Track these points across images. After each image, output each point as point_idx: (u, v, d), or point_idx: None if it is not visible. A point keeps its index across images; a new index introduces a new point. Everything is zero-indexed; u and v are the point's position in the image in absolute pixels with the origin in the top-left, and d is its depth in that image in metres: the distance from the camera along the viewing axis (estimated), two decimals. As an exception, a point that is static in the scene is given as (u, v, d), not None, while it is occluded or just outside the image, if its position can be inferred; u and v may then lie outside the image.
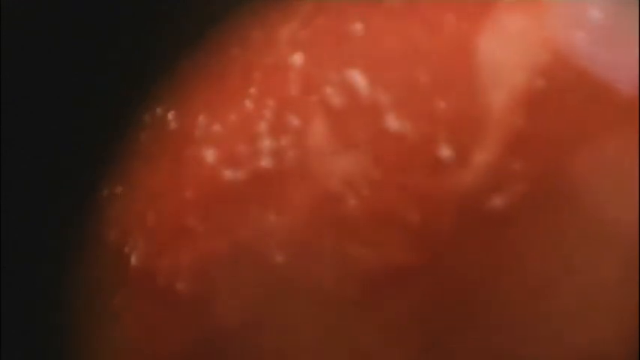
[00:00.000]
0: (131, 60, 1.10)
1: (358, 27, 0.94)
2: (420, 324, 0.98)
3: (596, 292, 0.77)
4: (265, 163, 0.96)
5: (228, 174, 0.93)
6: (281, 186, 0.99)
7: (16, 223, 1.06)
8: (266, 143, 0.94)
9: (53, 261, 1.09)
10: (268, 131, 0.94)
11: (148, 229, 1.01)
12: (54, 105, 1.05)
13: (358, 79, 0.92)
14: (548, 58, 0.87)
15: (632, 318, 0.74)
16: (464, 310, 0.92)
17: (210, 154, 0.94)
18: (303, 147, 0.96)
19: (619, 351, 0.76)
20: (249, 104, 0.96)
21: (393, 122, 0.94)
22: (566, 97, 0.84)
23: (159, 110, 1.08)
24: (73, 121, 1.10)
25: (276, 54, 0.95)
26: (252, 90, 0.93)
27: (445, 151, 0.89)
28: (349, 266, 0.97)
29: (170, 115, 1.06)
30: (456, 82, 0.91)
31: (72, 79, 1.04)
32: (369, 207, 0.94)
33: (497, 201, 0.88)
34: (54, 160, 1.10)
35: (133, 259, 1.03)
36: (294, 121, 0.95)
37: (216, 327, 1.00)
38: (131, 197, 1.08)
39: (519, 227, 0.86)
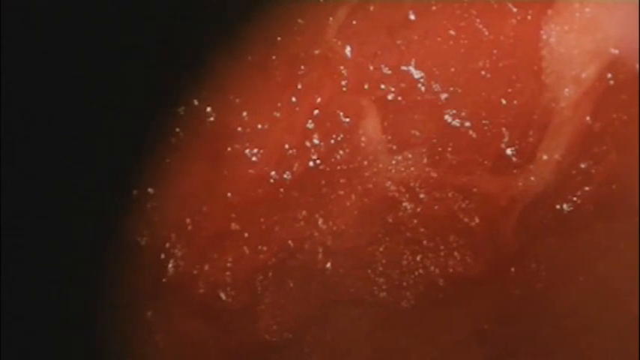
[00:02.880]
0: (165, 46, 1.41)
1: (412, 17, 1.27)
2: (480, 341, 1.26)
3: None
4: (313, 163, 1.28)
5: (273, 175, 1.25)
6: (330, 188, 1.30)
7: (37, 230, 1.35)
8: (314, 142, 1.25)
9: (80, 271, 1.41)
10: (316, 129, 1.25)
11: (186, 234, 1.32)
12: (83, 96, 1.37)
13: (414, 72, 1.24)
14: (617, 53, 1.17)
15: None
16: (529, 326, 1.20)
17: (254, 153, 1.25)
18: (355, 146, 1.29)
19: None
20: (295, 100, 1.27)
21: (451, 119, 1.27)
22: (635, 93, 1.14)
23: (195, 102, 1.38)
24: (100, 113, 1.40)
25: (325, 45, 1.26)
26: (299, 84, 1.24)
27: (508, 150, 1.21)
28: (404, 275, 1.28)
29: (208, 109, 1.35)
30: (519, 76, 1.22)
31: (102, 68, 1.36)
32: (426, 211, 1.25)
33: (564, 205, 1.18)
34: (77, 157, 1.37)
35: (170, 266, 1.33)
36: (345, 118, 1.28)
37: (257, 341, 1.31)
38: (165, 198, 1.39)
39: (586, 233, 1.13)
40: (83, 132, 1.49)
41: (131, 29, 1.45)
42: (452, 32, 1.29)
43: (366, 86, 1.33)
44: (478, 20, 1.27)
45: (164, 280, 1.44)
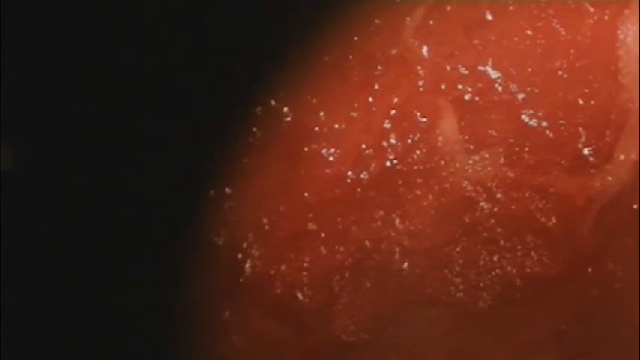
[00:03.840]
0: (244, 47, 1.66)
1: (489, 17, 1.50)
2: (556, 340, 1.46)
3: None
4: (390, 163, 1.50)
5: (350, 175, 1.49)
6: (407, 188, 1.53)
7: (115, 230, 1.60)
8: (391, 142, 1.48)
9: (158, 271, 1.66)
10: (393, 129, 1.48)
11: (263, 234, 1.56)
12: (164, 97, 1.62)
13: (491, 72, 1.47)
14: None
15: None
16: (606, 326, 1.40)
17: (331, 153, 1.48)
18: (432, 146, 1.52)
19: None
20: (372, 100, 1.50)
21: (528, 119, 1.50)
22: None
23: (273, 102, 1.62)
24: (179, 113, 1.65)
25: (402, 45, 1.50)
26: (376, 84, 1.47)
27: (585, 150, 1.43)
28: (481, 275, 1.49)
29: (285, 109, 1.58)
30: (596, 76, 1.45)
31: (183, 69, 1.61)
32: (503, 211, 1.47)
33: (642, 204, 1.37)
34: (155, 157, 1.62)
35: (247, 266, 1.57)
36: (422, 118, 1.51)
37: (334, 342, 1.54)
38: (242, 198, 1.63)
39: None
40: (162, 132, 1.74)
41: (211, 30, 1.70)
42: (529, 32, 1.50)
43: (443, 86, 1.54)
44: (555, 20, 1.49)
45: (241, 280, 1.67)
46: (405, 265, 1.57)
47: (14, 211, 1.82)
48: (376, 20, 1.64)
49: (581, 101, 1.48)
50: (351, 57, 1.65)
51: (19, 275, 1.79)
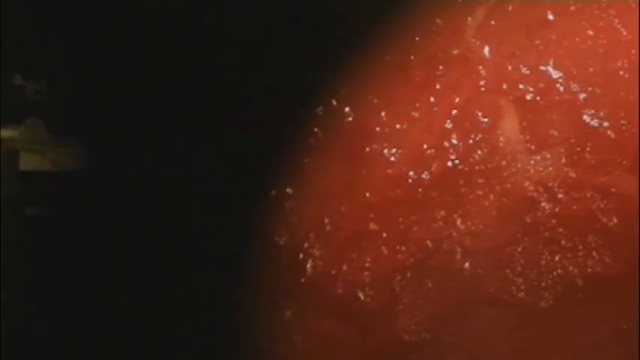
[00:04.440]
0: (304, 47, 1.82)
1: (551, 17, 1.66)
2: (618, 340, 1.60)
3: None
4: (452, 163, 1.66)
5: (412, 175, 1.64)
6: (469, 188, 1.68)
7: (177, 230, 1.77)
8: (452, 142, 1.63)
9: (219, 271, 1.83)
10: (455, 129, 1.64)
11: (324, 234, 1.72)
12: (225, 97, 1.80)
13: (552, 72, 1.63)
14: None
15: None
16: None
17: (392, 153, 1.64)
18: (493, 146, 1.67)
19: None
20: (434, 100, 1.66)
21: (590, 119, 1.65)
22: None
23: (334, 102, 1.78)
24: (240, 113, 1.83)
25: (463, 45, 1.66)
26: (438, 84, 1.63)
27: None
28: (543, 275, 1.64)
29: (347, 109, 1.74)
30: None
31: (243, 69, 1.79)
32: (565, 211, 1.63)
33: None
34: (216, 158, 1.80)
35: (309, 266, 1.73)
36: (483, 118, 1.67)
37: (396, 341, 1.69)
38: (303, 198, 1.79)
39: None
40: (223, 132, 1.92)
41: (272, 29, 1.88)
42: (590, 32, 1.66)
43: (504, 86, 1.70)
44: (617, 20, 1.64)
45: (302, 280, 1.83)
46: (467, 265, 1.71)
47: (76, 210, 1.98)
48: (438, 20, 1.80)
49: (644, 101, 1.62)
50: (412, 57, 1.81)
51: (79, 274, 1.96)
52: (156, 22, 1.94)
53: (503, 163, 1.71)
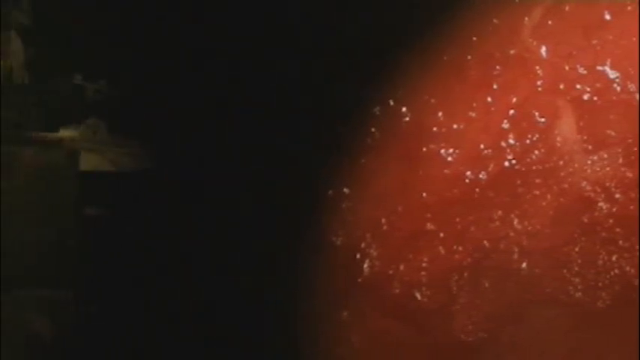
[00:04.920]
0: (362, 47, 1.95)
1: (607, 17, 1.77)
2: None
3: None
4: (509, 163, 1.78)
5: (469, 175, 1.77)
6: (526, 188, 1.81)
7: (234, 230, 1.91)
8: (509, 142, 1.76)
9: (277, 271, 1.96)
10: (512, 129, 1.76)
11: (381, 234, 1.85)
12: (283, 97, 1.93)
13: (609, 72, 1.75)
14: None
15: None
16: None
17: (449, 153, 1.77)
18: (550, 146, 1.79)
19: None
20: (491, 99, 1.78)
21: None
22: None
23: (391, 102, 1.91)
24: (297, 113, 1.96)
25: (520, 45, 1.79)
26: (495, 84, 1.76)
27: None
28: (600, 275, 1.75)
29: (404, 109, 1.86)
30: None
31: (302, 70, 1.91)
32: (622, 211, 1.74)
33: None
34: (274, 157, 1.94)
35: (366, 266, 1.85)
36: (540, 118, 1.80)
37: (452, 342, 1.80)
38: (360, 198, 1.91)
39: None
40: (281, 133, 2.05)
41: (331, 30, 2.02)
42: None
43: (561, 86, 1.83)
44: None
45: (359, 280, 1.97)
46: (524, 265, 1.84)
47: (135, 210, 2.14)
48: (495, 20, 1.92)
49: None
50: (469, 57, 1.94)
51: (138, 274, 2.11)
52: (220, 24, 2.09)
53: (561, 163, 1.82)
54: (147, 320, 2.22)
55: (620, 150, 1.79)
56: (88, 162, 2.43)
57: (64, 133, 2.42)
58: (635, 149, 1.79)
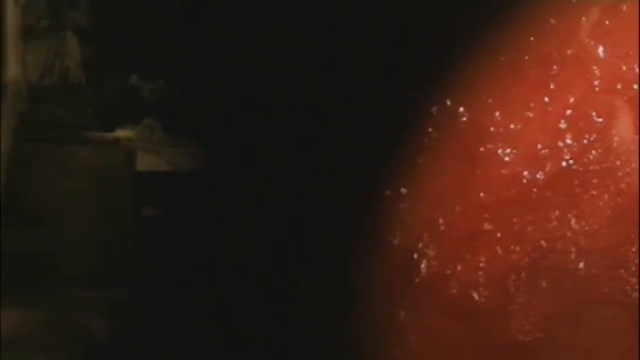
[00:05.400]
0: (421, 47, 2.06)
1: None
2: None
3: None
4: (566, 163, 1.91)
5: (526, 175, 1.89)
6: (583, 188, 1.95)
7: (286, 228, 2.05)
8: (567, 142, 1.88)
9: (335, 270, 2.08)
10: (569, 129, 1.89)
11: (438, 234, 1.97)
12: (338, 97, 2.07)
13: None
14: None
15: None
16: None
17: (506, 153, 1.89)
18: (607, 146, 1.92)
19: None
20: (548, 99, 1.90)
21: None
22: None
23: (448, 102, 2.03)
24: (355, 113, 2.08)
25: (577, 45, 1.93)
26: (552, 84, 1.87)
27: None
28: None
29: (461, 109, 1.97)
30: None
31: (356, 70, 2.04)
32: None
33: None
34: (332, 158, 2.08)
35: (423, 266, 1.98)
36: (597, 118, 1.92)
37: (509, 341, 1.91)
38: (417, 198, 2.04)
39: None
40: (338, 133, 2.19)
41: (388, 31, 2.15)
42: None
43: (618, 86, 1.95)
44: None
45: (417, 280, 2.11)
46: (581, 265, 1.96)
47: (191, 210, 2.27)
48: (552, 20, 2.05)
49: None
50: (526, 57, 2.06)
51: (193, 274, 2.25)
52: (278, 25, 2.22)
53: (618, 163, 1.94)
54: (201, 320, 2.34)
55: (677, 150, 1.91)
56: (144, 162, 2.55)
57: (121, 133, 2.56)
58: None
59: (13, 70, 2.48)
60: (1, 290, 2.31)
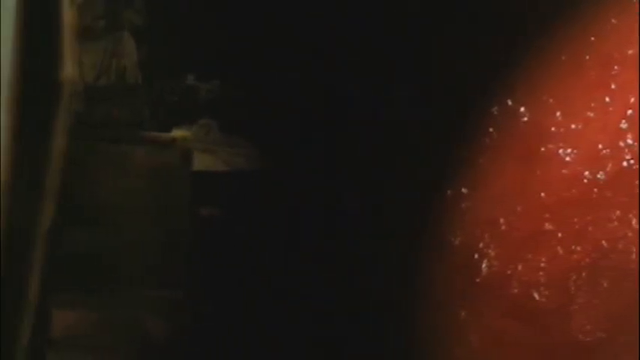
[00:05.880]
0: (476, 47, 2.21)
1: None
2: None
3: None
4: (627, 163, 2.05)
5: (587, 175, 2.03)
6: None
7: (348, 228, 2.20)
8: (628, 142, 2.02)
9: (393, 272, 2.24)
10: (630, 129, 2.04)
11: (499, 234, 2.12)
12: (394, 96, 2.22)
13: None
14: None
15: None
16: None
17: (567, 153, 2.04)
18: None
19: None
20: (609, 99, 2.04)
21: None
22: None
23: (509, 102, 2.17)
24: (419, 113, 2.22)
25: (638, 45, 2.01)
26: (613, 84, 2.01)
27: None
28: None
29: (522, 109, 2.11)
30: None
31: (417, 69, 2.20)
32: None
33: None
34: (394, 158, 2.22)
35: (484, 266, 2.12)
36: None
37: (570, 342, 2.05)
38: (478, 198, 2.18)
39: None
40: (398, 132, 2.34)
41: (450, 31, 2.30)
42: None
43: None
44: None
45: (478, 280, 2.26)
46: (642, 265, 2.09)
47: (248, 210, 2.43)
48: (613, 20, 2.20)
49: None
50: (587, 57, 2.21)
51: (251, 274, 2.39)
52: (335, 24, 2.38)
53: (680, 163, 2.07)
54: (258, 320, 2.44)
55: None
56: (200, 162, 2.69)
57: (177, 133, 2.70)
58: None
59: (69, 70, 2.62)
60: (56, 290, 2.30)
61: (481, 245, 2.30)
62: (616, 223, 2.18)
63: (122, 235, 2.61)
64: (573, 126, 2.24)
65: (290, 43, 2.52)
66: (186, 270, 2.56)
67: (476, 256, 2.30)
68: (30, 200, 1.45)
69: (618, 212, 2.18)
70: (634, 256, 2.16)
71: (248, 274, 2.56)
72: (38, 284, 1.54)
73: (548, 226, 2.24)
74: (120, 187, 2.62)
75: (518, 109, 2.29)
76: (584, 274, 2.19)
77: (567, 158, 2.23)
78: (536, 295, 2.23)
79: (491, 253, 2.28)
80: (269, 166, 2.60)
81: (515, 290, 2.23)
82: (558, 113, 2.26)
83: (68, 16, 2.76)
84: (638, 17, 2.17)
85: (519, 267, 2.24)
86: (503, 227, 2.26)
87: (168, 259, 2.60)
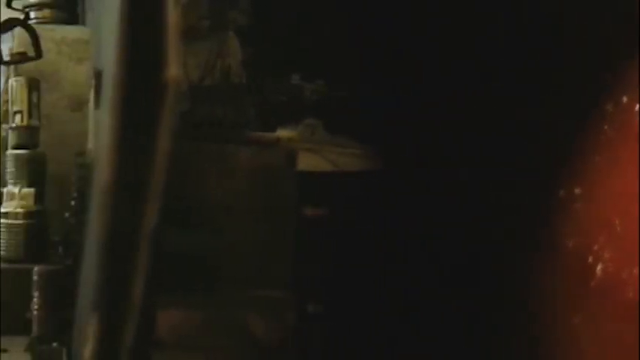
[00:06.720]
0: (588, 44, 2.08)
1: None
2: None
3: None
4: None
5: None
6: None
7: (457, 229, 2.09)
8: None
9: (503, 274, 2.10)
10: None
11: (615, 236, 1.97)
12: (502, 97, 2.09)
13: None
14: None
15: None
16: None
17: None
18: None
19: None
20: None
21: None
22: None
23: (625, 99, 2.02)
24: (528, 111, 2.10)
25: None
26: None
27: None
28: None
29: (637, 106, 1.98)
30: None
31: (528, 67, 2.07)
32: None
33: None
34: (497, 156, 2.09)
35: (599, 270, 1.98)
36: None
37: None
38: (593, 199, 2.04)
39: None
40: (510, 131, 2.21)
41: (556, 30, 2.17)
42: None
43: None
44: None
45: (592, 283, 2.11)
46: None
47: (355, 210, 2.33)
48: None
49: None
50: None
51: (359, 275, 2.29)
52: (443, 23, 2.27)
53: None
54: (364, 321, 2.33)
55: None
56: (305, 162, 2.60)
57: (282, 132, 2.61)
58: None
59: (174, 70, 2.55)
60: (160, 290, 2.27)
61: (596, 248, 2.16)
62: None
63: (226, 236, 2.55)
64: (692, 124, 2.11)
65: (396, 42, 2.38)
66: (291, 270, 2.47)
67: (590, 259, 2.16)
68: (134, 201, 1.42)
69: None
70: None
71: (353, 274, 2.46)
72: (142, 285, 1.47)
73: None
74: (224, 187, 2.56)
75: (634, 106, 2.14)
76: None
77: (687, 158, 2.09)
78: (653, 301, 2.08)
79: (606, 255, 2.14)
80: (376, 166, 2.47)
81: (631, 294, 2.08)
82: (676, 110, 2.12)
83: (173, 16, 2.71)
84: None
85: (635, 270, 2.08)
86: (618, 229, 2.12)
87: (273, 259, 2.54)
